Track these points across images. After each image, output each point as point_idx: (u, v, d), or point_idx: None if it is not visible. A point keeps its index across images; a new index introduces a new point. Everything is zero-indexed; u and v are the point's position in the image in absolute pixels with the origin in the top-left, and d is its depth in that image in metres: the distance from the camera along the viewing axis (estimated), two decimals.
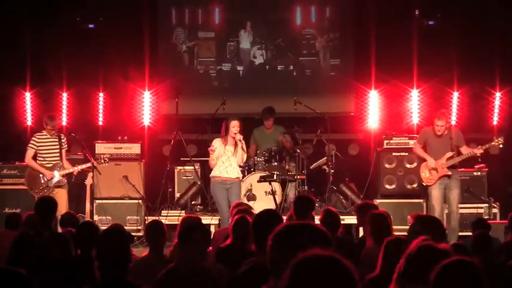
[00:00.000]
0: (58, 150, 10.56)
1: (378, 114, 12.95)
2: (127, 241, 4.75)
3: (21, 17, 12.74)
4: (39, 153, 10.55)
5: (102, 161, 10.93)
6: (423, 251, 3.73)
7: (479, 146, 10.08)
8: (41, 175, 10.46)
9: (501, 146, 10.23)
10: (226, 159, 10.14)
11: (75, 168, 10.64)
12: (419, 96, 12.75)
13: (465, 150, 10.13)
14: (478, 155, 10.11)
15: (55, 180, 10.47)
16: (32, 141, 10.55)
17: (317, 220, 7.68)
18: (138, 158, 11.90)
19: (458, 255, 3.32)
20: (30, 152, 10.54)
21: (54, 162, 10.51)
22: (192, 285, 4.81)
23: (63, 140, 10.64)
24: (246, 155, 10.36)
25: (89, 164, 10.83)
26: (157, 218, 10.53)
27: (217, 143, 10.17)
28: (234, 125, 10.12)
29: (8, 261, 5.12)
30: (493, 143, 10.15)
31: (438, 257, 3.36)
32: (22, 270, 3.26)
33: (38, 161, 10.52)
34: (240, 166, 11.99)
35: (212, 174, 10.24)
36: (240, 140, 10.08)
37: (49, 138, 10.55)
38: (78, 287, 4.82)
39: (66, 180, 10.61)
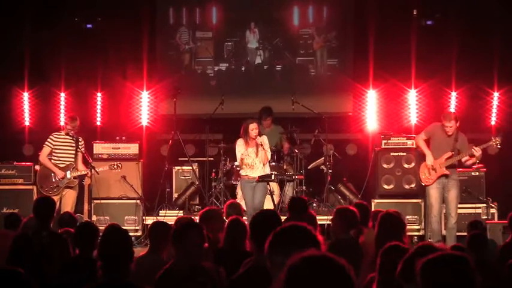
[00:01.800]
0: (74, 152, 10.57)
1: (376, 114, 12.96)
2: (130, 243, 4.75)
3: (19, 17, 12.73)
4: (54, 153, 10.57)
5: (115, 166, 10.95)
6: (421, 251, 3.73)
7: (479, 146, 10.02)
8: (52, 174, 10.48)
9: (499, 146, 10.20)
10: (251, 161, 10.28)
11: (87, 171, 10.64)
12: (418, 96, 12.76)
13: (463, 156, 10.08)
14: (477, 155, 10.05)
15: (65, 180, 10.47)
16: (49, 140, 10.59)
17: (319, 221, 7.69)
18: (136, 158, 11.88)
19: None
20: (45, 150, 10.57)
21: (68, 162, 10.53)
22: (191, 285, 4.80)
23: (80, 142, 10.66)
24: (269, 153, 10.46)
25: (101, 168, 10.82)
26: (155, 218, 10.57)
27: (241, 146, 10.33)
28: (253, 128, 10.25)
29: (7, 261, 5.13)
30: (490, 143, 10.14)
31: None
32: (21, 270, 3.26)
33: (52, 160, 10.54)
34: (238, 167, 12.04)
35: (241, 172, 10.53)
36: (261, 144, 10.15)
37: (66, 138, 10.57)
38: (77, 286, 4.82)
39: (77, 182, 10.62)
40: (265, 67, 13.74)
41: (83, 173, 10.62)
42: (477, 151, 9.96)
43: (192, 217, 8.35)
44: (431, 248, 3.73)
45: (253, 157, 10.28)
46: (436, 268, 3.05)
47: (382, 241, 5.25)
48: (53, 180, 10.50)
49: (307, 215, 7.16)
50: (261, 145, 10.21)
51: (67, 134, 10.61)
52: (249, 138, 10.26)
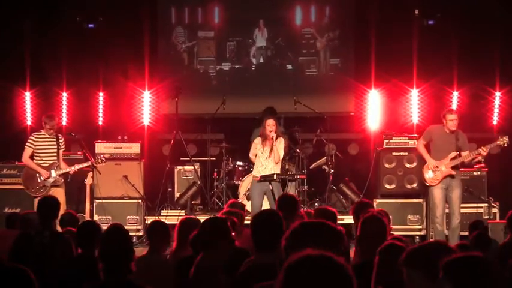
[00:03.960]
0: (55, 150, 10.52)
1: (377, 114, 12.94)
2: (129, 240, 4.74)
3: (21, 17, 12.74)
4: (36, 153, 10.51)
5: (100, 160, 10.88)
6: (430, 244, 3.75)
7: (486, 146, 10.00)
8: (37, 174, 10.44)
9: (506, 145, 10.13)
10: (264, 159, 10.24)
11: (72, 168, 10.61)
12: (419, 95, 12.75)
13: (466, 154, 10.06)
14: (484, 154, 10.02)
15: (51, 179, 10.44)
16: (29, 140, 10.51)
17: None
18: (138, 158, 11.87)
19: None
20: (27, 151, 10.51)
21: (51, 161, 10.48)
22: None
23: (60, 140, 10.60)
24: (282, 151, 10.36)
25: (86, 164, 10.78)
26: (157, 217, 10.56)
27: (258, 145, 10.33)
28: (269, 124, 10.18)
29: (9, 261, 5.12)
30: (498, 142, 10.06)
31: (443, 249, 3.38)
32: (27, 269, 3.26)
33: (34, 160, 10.49)
34: (240, 166, 12.02)
35: (253, 173, 10.48)
36: (272, 138, 10.09)
37: (47, 137, 10.52)
38: (79, 285, 4.82)
39: (62, 180, 10.58)
40: (267, 67, 13.72)
41: (67, 170, 10.57)
42: (484, 151, 9.92)
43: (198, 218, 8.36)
44: (438, 242, 3.76)
45: (266, 156, 10.25)
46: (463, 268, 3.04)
47: (363, 244, 5.24)
48: (39, 180, 10.43)
49: (297, 215, 7.09)
50: (272, 139, 10.14)
51: (46, 133, 10.54)
52: (265, 135, 10.23)
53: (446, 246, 3.58)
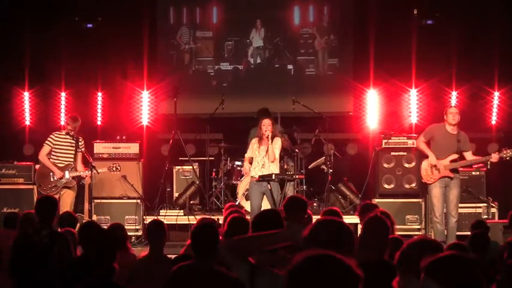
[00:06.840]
0: (73, 152, 10.56)
1: (376, 114, 12.94)
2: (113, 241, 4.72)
3: (20, 17, 12.73)
4: (54, 152, 10.56)
5: (114, 168, 10.92)
6: (420, 244, 3.75)
7: (497, 152, 10.03)
8: (51, 173, 10.47)
9: (508, 158, 10.13)
10: (260, 159, 10.20)
11: (87, 172, 10.63)
12: (418, 95, 12.75)
13: (470, 157, 10.07)
14: (494, 161, 10.02)
15: (64, 180, 10.47)
16: (49, 139, 10.58)
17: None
18: (137, 158, 11.86)
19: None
20: (45, 149, 10.56)
21: (67, 162, 10.52)
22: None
23: (80, 143, 10.64)
24: (278, 151, 10.27)
25: (101, 170, 10.79)
26: (156, 217, 10.55)
27: (254, 145, 10.28)
28: (265, 123, 10.14)
29: (11, 262, 5.11)
30: (501, 155, 10.02)
31: (434, 249, 3.37)
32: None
33: (51, 159, 10.53)
34: (238, 166, 12.01)
35: (250, 173, 10.37)
36: (267, 137, 10.05)
37: (67, 138, 10.56)
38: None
39: (75, 182, 10.61)
40: (265, 66, 13.73)
41: (82, 173, 10.61)
42: (495, 158, 9.93)
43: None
44: (429, 241, 3.76)
45: (262, 155, 10.21)
46: (445, 269, 3.00)
47: (365, 244, 5.23)
48: (52, 179, 10.49)
49: (305, 216, 7.07)
50: (267, 138, 10.10)
51: (67, 134, 10.60)
52: (261, 134, 10.20)
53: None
